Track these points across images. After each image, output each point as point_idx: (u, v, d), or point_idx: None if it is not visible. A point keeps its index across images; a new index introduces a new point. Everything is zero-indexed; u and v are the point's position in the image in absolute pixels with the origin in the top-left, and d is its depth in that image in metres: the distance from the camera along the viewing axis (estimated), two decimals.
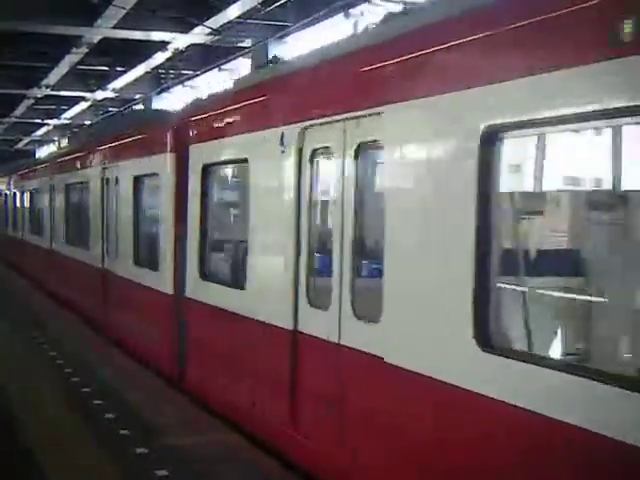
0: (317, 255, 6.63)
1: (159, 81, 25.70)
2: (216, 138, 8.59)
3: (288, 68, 7.80)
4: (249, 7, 16.60)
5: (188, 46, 20.38)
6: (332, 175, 6.22)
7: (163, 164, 10.03)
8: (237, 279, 8.11)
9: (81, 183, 15.62)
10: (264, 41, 18.07)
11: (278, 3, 16.15)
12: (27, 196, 23.16)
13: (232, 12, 16.96)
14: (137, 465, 6.70)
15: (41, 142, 44.34)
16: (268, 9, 16.54)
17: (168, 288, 9.82)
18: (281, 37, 17.55)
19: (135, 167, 11.54)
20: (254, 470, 6.61)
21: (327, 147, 6.31)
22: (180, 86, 24.23)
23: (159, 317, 10.19)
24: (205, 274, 8.88)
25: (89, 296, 14.34)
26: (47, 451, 7.07)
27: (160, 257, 10.22)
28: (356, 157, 5.86)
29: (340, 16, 15.08)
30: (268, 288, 7.22)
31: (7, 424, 7.88)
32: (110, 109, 30.43)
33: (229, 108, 8.54)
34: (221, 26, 17.88)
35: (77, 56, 21.58)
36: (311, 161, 6.49)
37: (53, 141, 41.15)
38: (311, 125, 6.47)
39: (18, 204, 25.07)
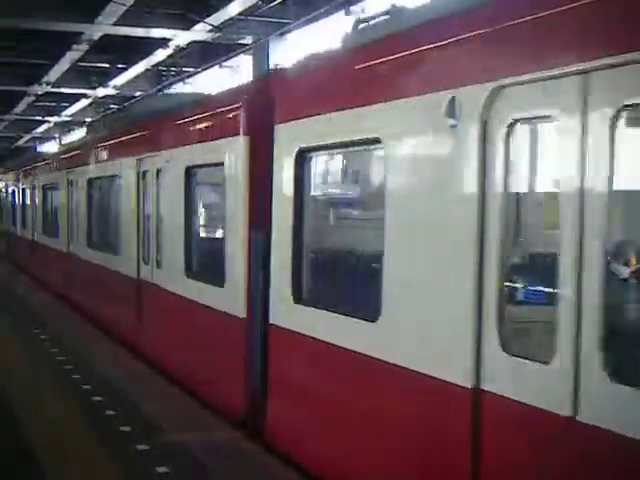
0: (517, 275, 4.71)
1: (160, 78, 25.68)
2: (323, 112, 6.25)
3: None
4: (250, 4, 16.61)
5: (189, 43, 20.38)
6: (556, 158, 4.18)
7: (231, 150, 7.86)
8: (363, 306, 5.87)
9: (108, 177, 13.46)
10: (265, 38, 18.09)
11: (279, 0, 16.14)
12: (39, 192, 20.99)
13: (233, 9, 16.97)
14: (138, 462, 6.69)
15: (42, 139, 44.38)
16: (269, 6, 16.55)
17: (238, 310, 7.63)
18: (282, 34, 17.58)
19: (188, 156, 9.24)
20: (255, 468, 6.60)
21: (546, 116, 4.20)
22: (181, 83, 24.23)
23: (224, 346, 8.12)
24: (303, 296, 6.61)
25: (119, 311, 12.26)
26: (47, 449, 7.06)
27: (226, 269, 7.96)
28: (612, 129, 3.71)
29: (341, 13, 15.10)
30: (424, 322, 4.94)
31: (8, 422, 7.88)
32: (111, 106, 30.43)
33: (348, 69, 6.17)
34: (222, 23, 17.88)
35: (78, 53, 21.58)
36: (508, 138, 4.35)
37: (54, 138, 41.21)
38: (511, 84, 4.30)
39: (28, 201, 22.86)
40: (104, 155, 13.83)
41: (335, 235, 7.27)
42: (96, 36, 19.85)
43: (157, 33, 19.11)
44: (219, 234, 8.67)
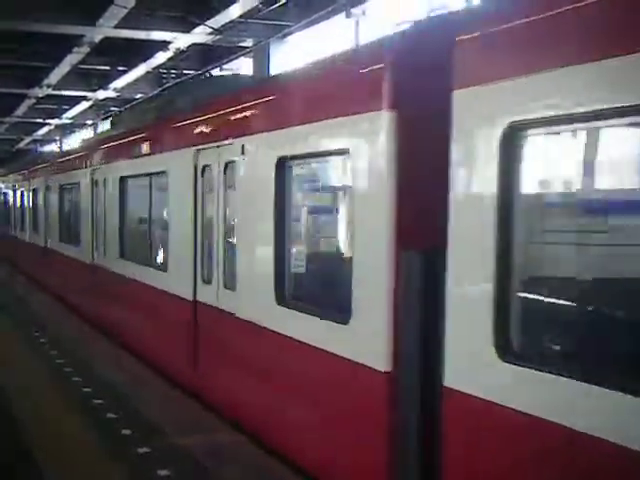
0: None
1: (160, 81, 25.74)
2: (572, 61, 3.74)
3: None
4: (250, 7, 16.67)
5: (189, 46, 20.44)
6: None
7: (364, 133, 5.53)
8: None
9: (148, 175, 11.15)
10: (265, 41, 18.13)
11: (279, 3, 16.18)
12: (54, 194, 18.60)
13: (233, 12, 17.01)
14: (139, 465, 6.69)
15: (42, 142, 44.47)
16: (269, 9, 16.59)
17: (376, 359, 5.32)
18: (282, 37, 17.62)
19: (281, 143, 6.94)
20: (257, 470, 6.60)
21: None
22: None
23: (348, 409, 5.77)
24: (521, 351, 4.18)
25: (164, 339, 10.21)
26: (47, 451, 7.07)
27: (354, 301, 5.62)
28: None
29: (341, 16, 15.13)
30: None
31: (7, 423, 7.88)
32: (111, 109, 30.49)
33: None
34: (222, 26, 17.94)
35: (78, 56, 21.65)
36: None
37: (54, 141, 41.28)
38: None
39: (41, 203, 20.46)
40: (143, 148, 11.45)
41: (599, 256, 4.28)
42: (97, 39, 19.91)
43: (158, 36, 19.16)
44: (338, 251, 6.60)
